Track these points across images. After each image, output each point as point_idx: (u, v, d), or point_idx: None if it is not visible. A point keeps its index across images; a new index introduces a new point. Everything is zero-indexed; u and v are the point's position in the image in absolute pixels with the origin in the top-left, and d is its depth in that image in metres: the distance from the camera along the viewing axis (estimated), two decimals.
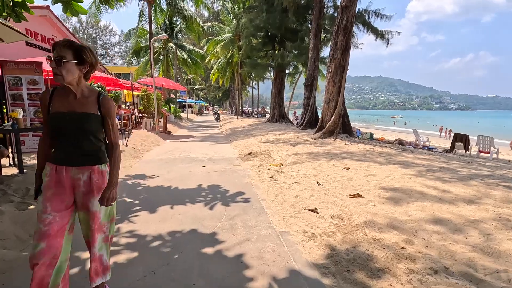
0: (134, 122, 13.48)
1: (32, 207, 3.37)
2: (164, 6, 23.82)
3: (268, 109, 34.52)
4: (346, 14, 8.96)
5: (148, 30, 21.35)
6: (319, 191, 4.25)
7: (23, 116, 5.08)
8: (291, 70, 21.07)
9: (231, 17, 25.95)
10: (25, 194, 3.63)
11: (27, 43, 11.76)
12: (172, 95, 28.98)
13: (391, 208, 3.30)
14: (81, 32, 67.23)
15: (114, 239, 2.69)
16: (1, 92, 4.84)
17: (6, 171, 4.64)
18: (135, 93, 14.92)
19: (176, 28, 27.11)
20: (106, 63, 51.50)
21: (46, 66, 7.84)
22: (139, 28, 24.17)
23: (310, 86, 12.96)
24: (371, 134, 11.57)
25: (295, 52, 15.87)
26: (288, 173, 5.48)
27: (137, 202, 3.99)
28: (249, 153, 7.67)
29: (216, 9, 45.04)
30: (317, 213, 3.43)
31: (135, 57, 27.71)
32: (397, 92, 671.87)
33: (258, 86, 37.13)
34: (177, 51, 26.34)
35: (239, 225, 3.18)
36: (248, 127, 15.73)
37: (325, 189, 4.31)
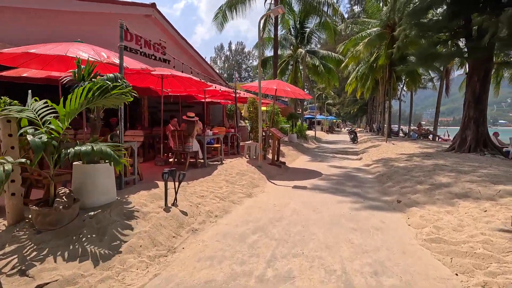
0: (236, 145, 9.46)
1: None
2: (295, 7, 20.24)
3: (429, 128, 24.71)
4: None
5: (273, 36, 18.18)
6: None
7: None
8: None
9: (381, 4, 19.32)
10: None
11: (125, 48, 9.89)
12: (298, 110, 24.72)
13: None
14: (230, 59, 76.71)
15: None
16: None
17: None
18: (264, 108, 11.03)
19: (307, 31, 22.86)
20: (248, 83, 54.48)
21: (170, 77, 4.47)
22: (264, 37, 21.48)
23: None
24: None
25: None
26: None
27: None
28: None
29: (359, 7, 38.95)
30: None
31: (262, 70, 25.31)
32: None
33: (411, 97, 27.93)
34: (307, 56, 21.94)
35: None
36: (415, 160, 8.86)
37: None
